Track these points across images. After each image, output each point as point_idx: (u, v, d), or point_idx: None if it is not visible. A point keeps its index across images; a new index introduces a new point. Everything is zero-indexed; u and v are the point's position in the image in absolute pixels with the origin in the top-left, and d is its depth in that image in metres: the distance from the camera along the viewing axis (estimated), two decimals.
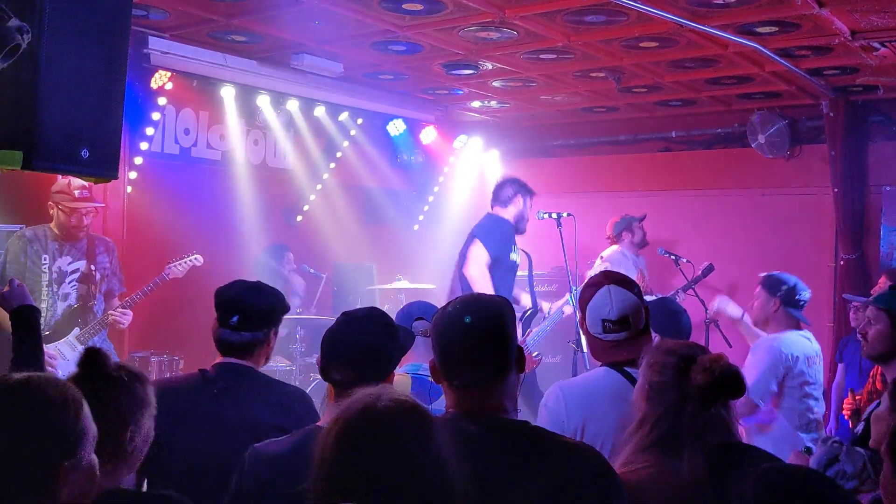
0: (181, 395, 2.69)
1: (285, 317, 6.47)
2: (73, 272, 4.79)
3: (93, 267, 4.85)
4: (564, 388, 2.66)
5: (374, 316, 2.38)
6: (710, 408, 2.08)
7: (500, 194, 5.68)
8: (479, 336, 1.94)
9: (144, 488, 2.56)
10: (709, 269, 6.58)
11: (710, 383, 2.07)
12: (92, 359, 1.91)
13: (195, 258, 5.08)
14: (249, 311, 2.72)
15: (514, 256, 5.65)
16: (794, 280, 4.06)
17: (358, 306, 6.84)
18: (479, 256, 5.41)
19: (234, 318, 2.70)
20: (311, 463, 1.54)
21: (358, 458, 1.47)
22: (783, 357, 3.95)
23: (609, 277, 2.76)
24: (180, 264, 5.04)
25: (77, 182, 4.63)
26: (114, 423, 1.85)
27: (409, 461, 1.47)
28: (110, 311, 4.83)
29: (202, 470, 2.48)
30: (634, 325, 2.66)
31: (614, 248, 6.91)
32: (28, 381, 1.58)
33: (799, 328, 4.08)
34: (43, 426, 1.53)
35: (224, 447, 2.47)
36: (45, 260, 4.69)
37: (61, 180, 4.68)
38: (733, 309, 4.64)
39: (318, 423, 2.27)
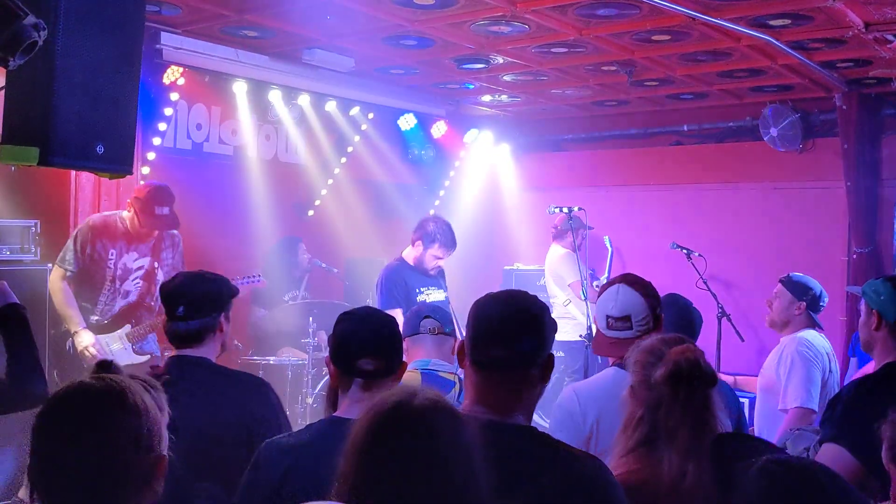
0: None
1: (295, 303, 6.46)
2: (139, 269, 4.75)
3: (156, 264, 4.80)
4: (577, 389, 2.76)
5: (376, 311, 2.47)
6: (680, 403, 2.07)
7: (413, 233, 5.40)
8: (517, 315, 1.95)
9: None
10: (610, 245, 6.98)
11: (667, 377, 2.07)
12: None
13: (259, 280, 5.07)
14: (194, 298, 2.75)
15: (423, 297, 5.32)
16: (820, 288, 4.03)
17: (369, 301, 6.86)
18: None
19: (181, 308, 2.73)
20: (335, 451, 1.55)
21: (390, 454, 1.47)
22: (819, 356, 3.89)
23: (626, 279, 2.86)
24: (241, 285, 4.87)
25: (162, 196, 4.56)
26: None
27: (441, 459, 1.48)
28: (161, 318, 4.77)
29: None
30: (638, 325, 2.74)
31: (561, 249, 6.89)
32: (112, 385, 1.59)
33: (816, 328, 4.04)
34: (133, 428, 1.55)
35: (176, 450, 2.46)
36: (112, 255, 4.65)
37: (142, 187, 4.60)
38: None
39: (336, 414, 2.29)
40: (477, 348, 1.95)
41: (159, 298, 4.74)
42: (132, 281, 4.73)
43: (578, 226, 6.70)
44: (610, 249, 7.08)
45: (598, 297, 2.89)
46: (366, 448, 1.48)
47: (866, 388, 2.71)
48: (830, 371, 3.94)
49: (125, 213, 4.72)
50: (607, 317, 2.80)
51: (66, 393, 1.58)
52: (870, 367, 2.98)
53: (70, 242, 4.66)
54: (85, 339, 4.54)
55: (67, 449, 1.51)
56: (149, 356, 4.85)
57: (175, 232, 5.01)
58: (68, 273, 4.62)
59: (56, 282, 4.61)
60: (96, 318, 4.68)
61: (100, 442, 1.51)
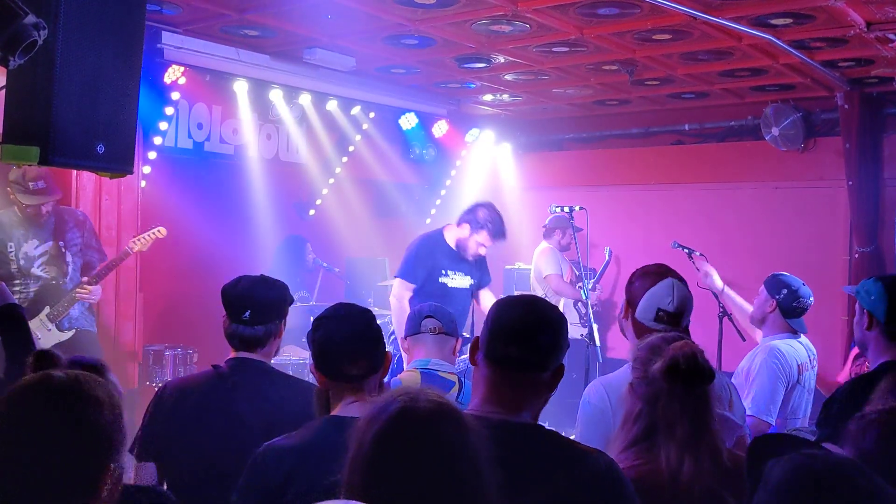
0: (195, 393, 2.71)
1: (298, 305, 6.48)
2: (42, 255, 4.81)
3: (61, 244, 4.85)
4: (606, 384, 2.67)
5: (353, 310, 2.43)
6: (678, 397, 2.08)
7: (462, 214, 5.26)
8: (537, 318, 1.96)
9: (165, 488, 2.57)
10: (610, 253, 7.09)
11: (664, 370, 2.08)
12: (43, 361, 1.89)
13: (158, 230, 5.05)
14: (261, 304, 2.76)
15: (446, 280, 5.19)
16: (798, 284, 3.86)
17: (370, 300, 6.86)
18: (401, 294, 5.05)
19: (247, 314, 2.74)
20: (337, 452, 1.54)
21: (398, 462, 1.47)
22: (786, 369, 3.77)
23: (671, 271, 2.78)
24: (143, 238, 5.02)
25: (32, 173, 4.61)
26: None
27: (448, 463, 1.48)
28: (77, 288, 4.81)
29: (220, 468, 2.47)
30: (683, 323, 2.72)
31: (545, 245, 7.15)
32: (78, 381, 1.55)
33: (794, 334, 3.89)
34: (95, 427, 1.51)
35: (242, 445, 2.46)
36: (10, 248, 4.73)
37: (16, 169, 4.66)
38: (716, 280, 4.57)
39: (333, 413, 2.28)
40: (493, 343, 1.96)
41: (72, 277, 4.83)
42: (38, 268, 4.79)
43: (566, 225, 6.77)
44: (607, 259, 7.11)
45: (636, 286, 2.78)
46: (372, 457, 1.48)
47: (861, 387, 2.70)
48: (798, 382, 3.80)
49: (15, 207, 4.79)
50: (659, 310, 2.70)
51: (28, 385, 1.54)
52: None
53: None
54: None
55: (23, 442, 1.46)
56: (74, 331, 4.88)
57: (79, 212, 5.09)
58: None
59: None
60: None
61: (58, 438, 1.48)
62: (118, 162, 2.84)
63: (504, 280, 7.71)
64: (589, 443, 2.44)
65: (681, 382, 2.08)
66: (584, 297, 5.64)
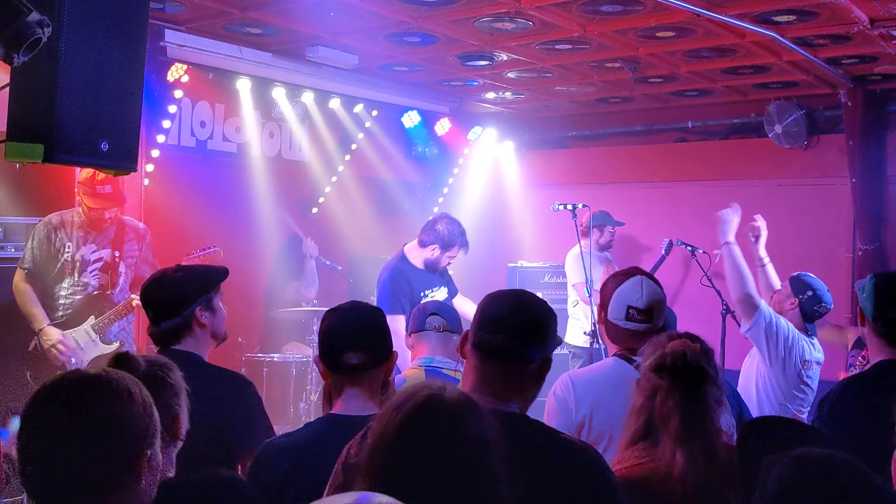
0: None
1: (300, 309, 6.46)
2: (97, 261, 4.77)
3: (117, 254, 4.81)
4: (573, 376, 2.72)
5: (361, 305, 2.48)
6: (671, 393, 2.10)
7: (422, 234, 5.23)
8: (524, 310, 2.00)
9: None
10: (670, 246, 6.74)
11: (652, 367, 2.12)
12: (123, 363, 1.92)
13: (216, 251, 5.03)
14: (157, 302, 2.83)
15: (429, 294, 5.17)
16: (824, 290, 3.95)
17: (372, 299, 6.88)
18: (398, 330, 4.86)
19: (151, 313, 2.84)
20: (336, 449, 1.55)
21: (421, 445, 1.49)
22: (796, 345, 3.86)
23: (642, 272, 2.80)
24: (197, 256, 4.99)
25: (102, 176, 4.58)
26: (165, 417, 1.88)
27: (470, 453, 1.50)
28: (132, 296, 4.75)
29: None
30: (656, 321, 2.72)
31: (575, 250, 6.83)
32: (106, 375, 1.58)
33: (808, 335, 3.97)
34: (125, 418, 1.53)
35: None
36: (68, 248, 4.69)
37: (86, 171, 4.64)
38: (730, 226, 4.47)
39: (333, 411, 2.29)
40: (480, 333, 1.99)
41: (122, 288, 4.82)
42: (90, 273, 4.73)
43: (603, 223, 6.60)
44: (663, 254, 6.87)
45: (606, 287, 2.81)
46: (396, 441, 1.50)
47: (854, 386, 2.71)
48: (809, 377, 3.89)
49: (80, 208, 4.77)
50: (629, 308, 2.69)
51: (57, 381, 1.56)
52: None
53: (28, 242, 4.73)
54: (52, 337, 4.55)
55: (53, 437, 1.49)
56: (118, 343, 4.84)
57: (141, 225, 5.05)
58: (26, 271, 4.68)
59: (18, 283, 4.66)
60: (60, 313, 4.69)
61: (87, 430, 1.50)
62: (122, 159, 2.85)
63: (507, 278, 7.70)
64: None
65: (670, 379, 2.10)
66: (586, 293, 5.63)
